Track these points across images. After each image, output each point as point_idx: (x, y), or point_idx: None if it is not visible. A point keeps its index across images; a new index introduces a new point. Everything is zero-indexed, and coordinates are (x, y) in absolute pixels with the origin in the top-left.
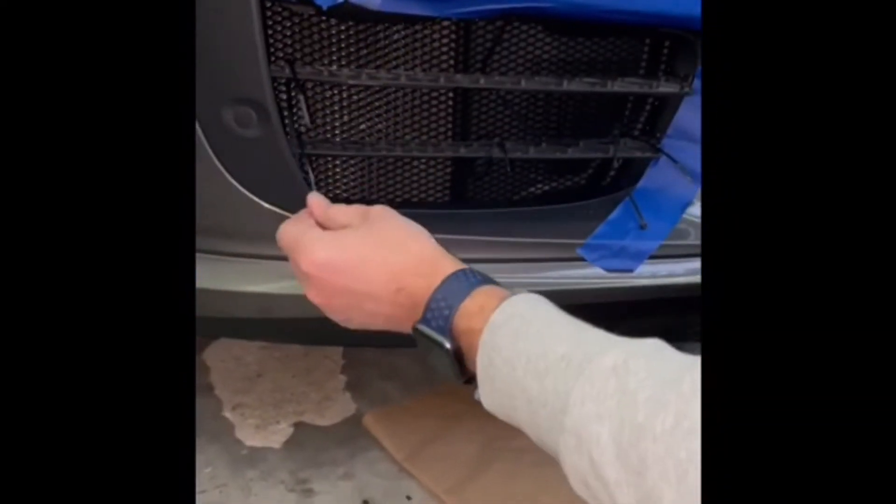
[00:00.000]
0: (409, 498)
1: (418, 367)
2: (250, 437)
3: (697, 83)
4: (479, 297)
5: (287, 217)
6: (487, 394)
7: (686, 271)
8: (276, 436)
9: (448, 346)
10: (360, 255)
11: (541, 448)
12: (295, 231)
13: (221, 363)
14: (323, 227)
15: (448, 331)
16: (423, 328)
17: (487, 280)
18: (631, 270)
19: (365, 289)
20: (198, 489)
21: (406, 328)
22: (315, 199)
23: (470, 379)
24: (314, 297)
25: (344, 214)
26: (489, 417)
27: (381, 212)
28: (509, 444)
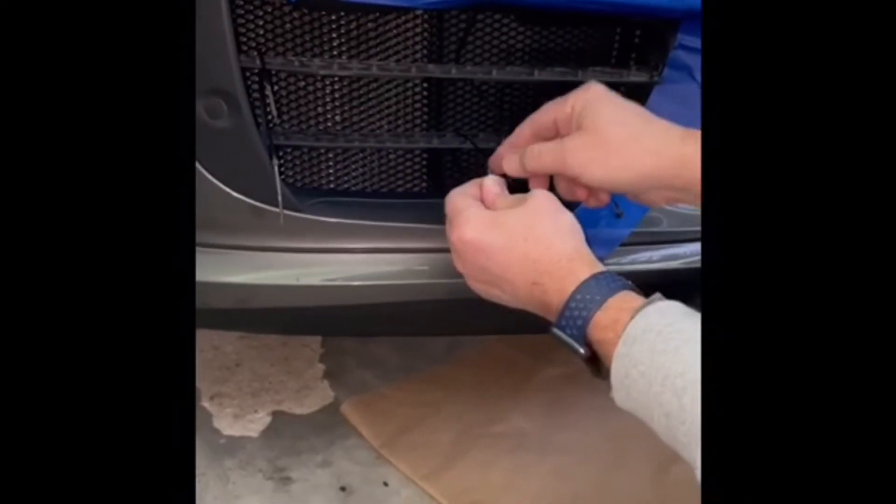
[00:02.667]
0: (385, 484)
1: (397, 355)
2: (228, 426)
3: (667, 72)
4: (612, 310)
5: (259, 208)
6: (622, 400)
7: (662, 258)
8: (255, 424)
9: (582, 351)
10: (504, 244)
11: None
12: (459, 204)
13: (200, 353)
14: (488, 206)
15: (582, 338)
16: (559, 333)
17: (622, 285)
18: (602, 258)
19: (502, 274)
20: None
21: (540, 314)
22: (490, 185)
23: (605, 374)
24: (459, 267)
25: (508, 203)
26: (466, 406)
27: (536, 202)
28: (486, 431)
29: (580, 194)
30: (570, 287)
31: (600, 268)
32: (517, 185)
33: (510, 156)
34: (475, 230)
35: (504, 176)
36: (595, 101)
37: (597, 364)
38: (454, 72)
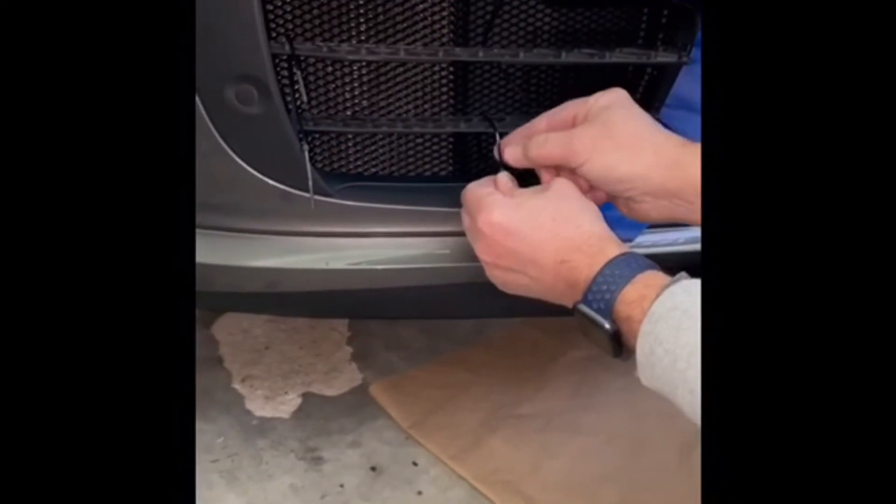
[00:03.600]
0: (415, 464)
1: (423, 337)
2: (260, 407)
3: (696, 52)
4: (639, 285)
5: (289, 192)
6: (647, 378)
7: (686, 240)
8: (285, 406)
9: (608, 327)
10: (533, 223)
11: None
12: (479, 192)
13: (230, 336)
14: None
15: (609, 313)
16: (584, 308)
17: (649, 265)
18: (630, 240)
19: (531, 254)
20: (210, 458)
21: (561, 301)
22: (504, 179)
23: (625, 354)
24: (482, 254)
25: (528, 193)
26: (493, 387)
27: (560, 187)
28: (513, 411)
29: (581, 188)
30: (601, 262)
31: (626, 249)
32: (525, 183)
33: (513, 146)
34: (503, 213)
35: (510, 169)
36: (615, 103)
37: (619, 342)
38: (481, 55)
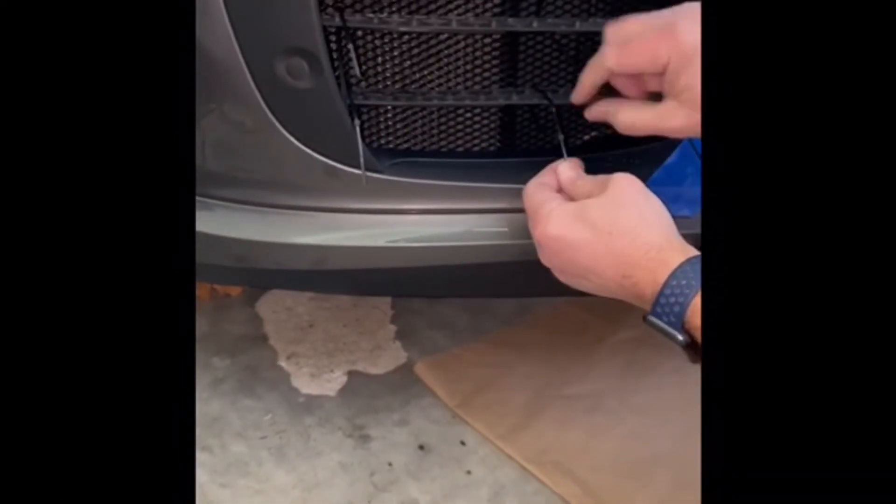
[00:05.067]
0: (463, 443)
1: (466, 316)
2: (306, 385)
3: None
4: None
5: (338, 168)
6: None
7: None
8: (331, 384)
9: (681, 338)
10: (589, 238)
11: None
12: (537, 198)
13: (274, 314)
14: (567, 194)
15: (680, 325)
16: (655, 321)
17: None
18: (688, 217)
19: (592, 266)
20: (259, 435)
21: (634, 303)
22: (565, 170)
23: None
24: (545, 260)
25: (587, 189)
26: (539, 367)
27: (620, 189)
28: (560, 392)
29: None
30: (663, 276)
31: (692, 252)
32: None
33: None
34: (558, 226)
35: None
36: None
37: (696, 350)
38: (536, 25)
